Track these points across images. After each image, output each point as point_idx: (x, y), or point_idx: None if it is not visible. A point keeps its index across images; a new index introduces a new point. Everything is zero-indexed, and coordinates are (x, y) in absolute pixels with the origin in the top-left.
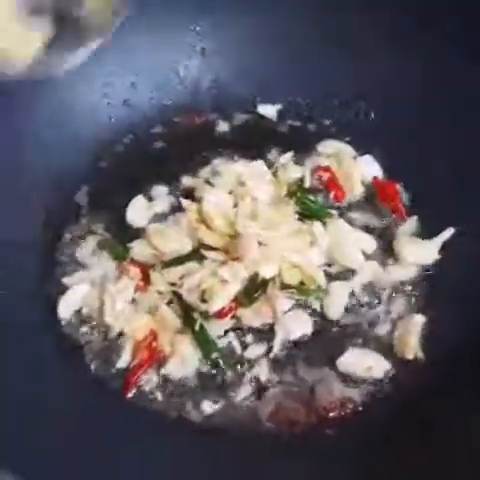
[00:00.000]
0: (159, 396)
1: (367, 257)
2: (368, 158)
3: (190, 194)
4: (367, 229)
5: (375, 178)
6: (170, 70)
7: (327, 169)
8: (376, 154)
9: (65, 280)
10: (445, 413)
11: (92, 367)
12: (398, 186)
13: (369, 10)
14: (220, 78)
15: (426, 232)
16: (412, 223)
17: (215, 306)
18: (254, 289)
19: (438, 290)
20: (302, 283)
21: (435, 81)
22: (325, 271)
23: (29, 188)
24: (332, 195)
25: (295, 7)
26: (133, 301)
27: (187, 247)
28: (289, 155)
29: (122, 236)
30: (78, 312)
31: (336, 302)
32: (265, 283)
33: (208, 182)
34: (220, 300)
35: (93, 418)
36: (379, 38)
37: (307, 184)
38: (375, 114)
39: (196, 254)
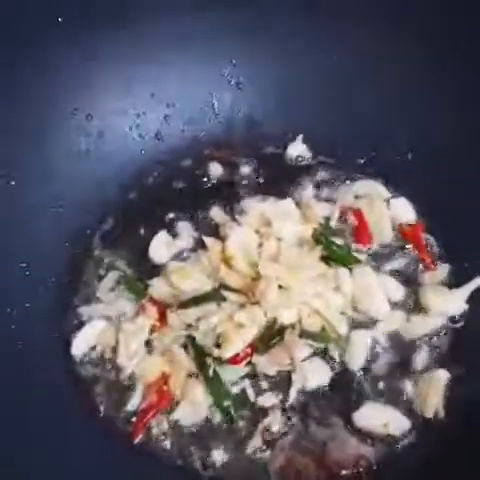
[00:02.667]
0: (167, 442)
1: (393, 305)
2: (402, 201)
3: (215, 232)
4: (394, 275)
5: (401, 225)
6: (204, 103)
7: (357, 211)
8: (410, 197)
9: (81, 311)
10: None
11: (101, 408)
12: (426, 233)
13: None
14: (254, 113)
15: (454, 281)
16: (441, 271)
17: (230, 351)
18: (271, 335)
19: (465, 343)
20: (323, 330)
21: (473, 124)
22: (348, 319)
23: (56, 217)
24: (358, 239)
25: (334, 46)
26: (147, 342)
27: (206, 287)
28: (319, 193)
29: (143, 272)
30: (92, 350)
31: (357, 352)
32: (283, 329)
33: (234, 219)
34: (235, 345)
35: (99, 461)
36: (416, 80)
37: (333, 224)
38: (413, 156)
39: (215, 295)
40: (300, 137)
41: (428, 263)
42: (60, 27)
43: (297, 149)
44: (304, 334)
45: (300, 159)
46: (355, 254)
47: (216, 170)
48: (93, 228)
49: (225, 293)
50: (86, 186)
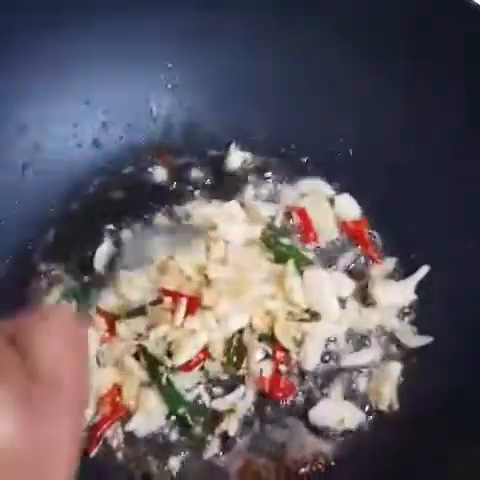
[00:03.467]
0: (124, 453)
1: (344, 301)
2: (346, 197)
3: None
4: (343, 270)
5: (344, 222)
6: (142, 108)
7: (300, 210)
8: (354, 193)
9: None
10: (422, 468)
11: None
12: (370, 228)
13: (339, 52)
14: (192, 116)
15: (402, 273)
16: (388, 264)
17: (182, 359)
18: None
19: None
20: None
21: (415, 118)
22: (300, 319)
23: None
24: (304, 237)
25: (270, 44)
26: (98, 354)
27: (153, 295)
28: (262, 194)
29: (89, 284)
30: None
31: (311, 353)
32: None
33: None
34: (187, 352)
35: None
36: (357, 72)
37: (278, 223)
38: (353, 152)
39: (161, 303)
40: (233, 144)
41: (374, 258)
42: None
43: (238, 150)
44: (260, 337)
45: (242, 160)
46: (304, 253)
47: (158, 175)
48: (35, 241)
49: (166, 300)
50: (25, 198)
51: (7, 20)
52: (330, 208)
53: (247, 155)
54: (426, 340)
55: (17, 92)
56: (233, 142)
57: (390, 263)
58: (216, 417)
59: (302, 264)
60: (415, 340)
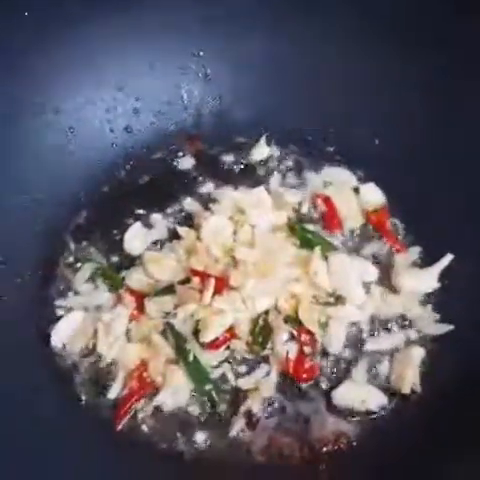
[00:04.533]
0: (151, 427)
1: (368, 287)
2: (371, 186)
3: (188, 222)
4: (368, 258)
5: (367, 212)
6: (173, 96)
7: (326, 198)
8: (379, 182)
9: (58, 303)
10: (442, 450)
11: (83, 397)
12: (395, 218)
13: (370, 42)
14: (223, 105)
15: (426, 261)
16: (412, 252)
17: (208, 337)
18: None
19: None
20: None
21: (437, 112)
22: (325, 303)
23: (30, 211)
24: (329, 224)
25: (298, 36)
26: (127, 331)
27: (181, 275)
28: (287, 181)
29: (119, 263)
30: (71, 340)
31: (335, 336)
32: (267, 313)
33: (207, 208)
34: (214, 331)
35: (83, 449)
36: (380, 69)
37: (304, 210)
38: (379, 142)
39: (189, 282)
40: (263, 137)
41: (397, 247)
42: (27, 22)
43: (267, 138)
44: (285, 319)
45: (271, 148)
46: (329, 240)
47: (187, 162)
48: (67, 221)
49: (194, 280)
50: (58, 180)
51: (42, 11)
52: (355, 196)
53: (274, 147)
54: (446, 328)
55: (53, 77)
56: (263, 134)
57: (414, 252)
58: (241, 395)
59: (328, 250)
60: (435, 327)
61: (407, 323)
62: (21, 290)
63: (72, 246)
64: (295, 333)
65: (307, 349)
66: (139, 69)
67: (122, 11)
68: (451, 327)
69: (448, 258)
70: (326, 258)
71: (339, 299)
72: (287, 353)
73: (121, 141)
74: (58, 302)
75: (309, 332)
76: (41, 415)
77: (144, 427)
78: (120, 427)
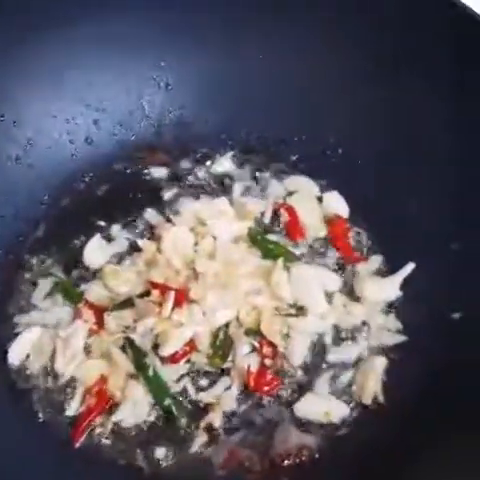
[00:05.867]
0: (110, 444)
1: (330, 297)
2: (335, 195)
3: (150, 233)
4: (330, 267)
5: (329, 220)
6: (134, 106)
7: (288, 207)
8: (342, 191)
9: (17, 319)
10: (404, 460)
11: (40, 415)
12: (355, 226)
13: (332, 54)
14: (184, 115)
15: (388, 270)
16: (374, 261)
17: (168, 351)
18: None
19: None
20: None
21: (406, 120)
22: (286, 315)
23: None
24: (292, 234)
25: (262, 44)
26: (86, 346)
27: (140, 288)
28: (250, 191)
29: (77, 277)
30: (28, 357)
31: (297, 347)
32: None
33: (169, 220)
34: (173, 344)
35: (41, 466)
36: (344, 77)
37: (267, 220)
38: (343, 151)
39: (148, 295)
40: (229, 154)
41: (354, 258)
42: None
43: (228, 148)
44: (246, 331)
45: (232, 158)
46: (291, 250)
47: (148, 173)
48: (25, 235)
49: (154, 293)
50: (17, 192)
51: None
52: (318, 205)
53: (237, 157)
54: (401, 338)
55: (12, 88)
56: (225, 144)
57: (376, 261)
58: (202, 409)
59: (290, 260)
60: (392, 338)
61: (370, 332)
62: None
63: (31, 260)
64: (256, 345)
65: (269, 361)
66: (100, 80)
67: (83, 21)
68: (404, 338)
69: (410, 266)
70: (288, 269)
71: (301, 310)
72: (248, 366)
73: (81, 153)
74: (17, 319)
75: (271, 344)
76: None
77: (103, 443)
78: (78, 444)
